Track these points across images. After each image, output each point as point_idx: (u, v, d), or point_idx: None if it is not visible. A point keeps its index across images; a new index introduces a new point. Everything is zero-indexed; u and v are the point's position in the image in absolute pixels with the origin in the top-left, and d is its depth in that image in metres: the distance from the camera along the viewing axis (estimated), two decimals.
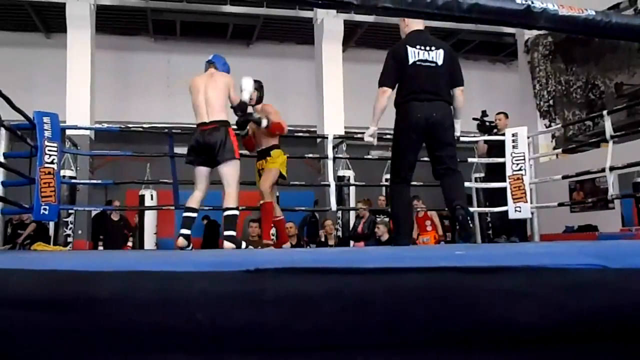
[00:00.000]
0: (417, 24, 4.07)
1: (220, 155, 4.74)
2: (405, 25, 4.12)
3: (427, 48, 3.94)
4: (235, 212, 4.81)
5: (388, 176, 8.89)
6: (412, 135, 3.95)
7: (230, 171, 4.77)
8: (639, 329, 0.98)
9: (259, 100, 5.69)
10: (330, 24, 11.42)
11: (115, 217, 9.93)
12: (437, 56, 3.94)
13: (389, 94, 4.00)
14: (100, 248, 9.65)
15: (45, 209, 5.49)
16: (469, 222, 3.82)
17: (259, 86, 5.70)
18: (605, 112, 6.03)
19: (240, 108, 5.08)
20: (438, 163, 4.04)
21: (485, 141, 7.27)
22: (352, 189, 9.41)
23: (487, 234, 8.64)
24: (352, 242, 8.62)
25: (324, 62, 11.31)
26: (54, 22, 11.76)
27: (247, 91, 5.16)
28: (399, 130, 4.02)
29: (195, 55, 13.36)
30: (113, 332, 0.89)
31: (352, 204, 9.25)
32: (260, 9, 11.75)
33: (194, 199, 5.04)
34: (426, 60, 3.91)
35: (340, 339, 0.92)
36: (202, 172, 4.93)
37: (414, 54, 3.90)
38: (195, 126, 4.93)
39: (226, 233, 4.77)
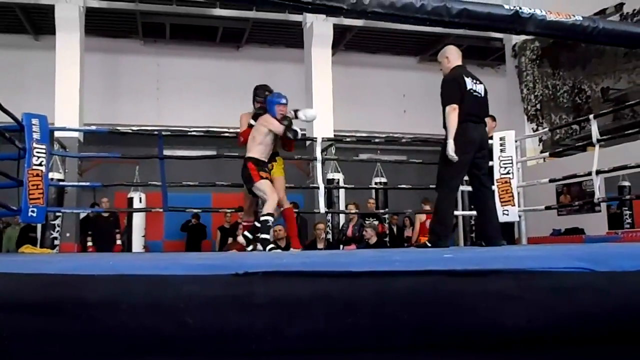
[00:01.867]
0: (460, 61, 4.76)
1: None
2: (449, 62, 4.74)
3: (475, 81, 4.62)
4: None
5: (378, 179, 8.96)
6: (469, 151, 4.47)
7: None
8: (625, 331, 0.99)
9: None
10: (320, 28, 11.43)
11: (105, 213, 9.88)
12: (481, 90, 4.66)
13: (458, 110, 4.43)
14: (90, 244, 9.60)
15: (33, 211, 5.45)
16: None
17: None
18: (591, 116, 6.07)
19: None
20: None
21: None
22: (342, 191, 9.42)
23: (471, 237, 8.68)
24: (341, 246, 8.61)
25: (313, 66, 11.31)
26: (42, 24, 11.68)
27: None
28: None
29: (185, 58, 13.34)
30: (102, 336, 0.89)
31: (342, 206, 9.26)
32: (250, 13, 11.73)
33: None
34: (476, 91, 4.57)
35: (329, 342, 0.92)
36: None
37: (469, 84, 4.52)
38: (184, 129, 4.97)
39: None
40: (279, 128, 5.40)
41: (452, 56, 4.77)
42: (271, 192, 5.27)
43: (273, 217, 5.32)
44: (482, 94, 4.61)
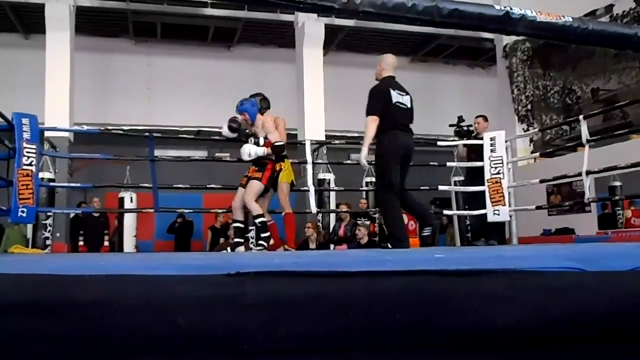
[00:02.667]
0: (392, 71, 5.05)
1: None
2: (381, 69, 5.03)
3: (402, 93, 4.94)
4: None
5: (369, 179, 8.96)
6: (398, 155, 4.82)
7: None
8: (615, 330, 1.00)
9: (261, 112, 5.87)
10: (311, 28, 11.42)
11: (95, 213, 9.84)
12: (407, 101, 4.97)
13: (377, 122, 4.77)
14: (81, 243, 9.56)
15: (22, 211, 5.42)
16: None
17: (263, 98, 5.96)
18: (581, 117, 6.10)
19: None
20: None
21: (465, 145, 7.31)
22: (332, 194, 9.43)
23: (467, 237, 8.70)
24: (332, 245, 8.62)
25: (304, 66, 11.31)
26: (33, 23, 11.60)
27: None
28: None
29: (176, 58, 13.29)
30: (94, 337, 0.88)
31: (333, 206, 9.26)
32: (242, 12, 11.71)
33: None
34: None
35: (322, 342, 0.92)
36: None
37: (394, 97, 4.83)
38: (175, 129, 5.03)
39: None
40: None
41: (387, 66, 5.04)
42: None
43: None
44: (408, 106, 4.94)
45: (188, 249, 10.31)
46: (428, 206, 10.47)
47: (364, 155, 4.86)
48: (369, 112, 4.80)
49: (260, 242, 5.44)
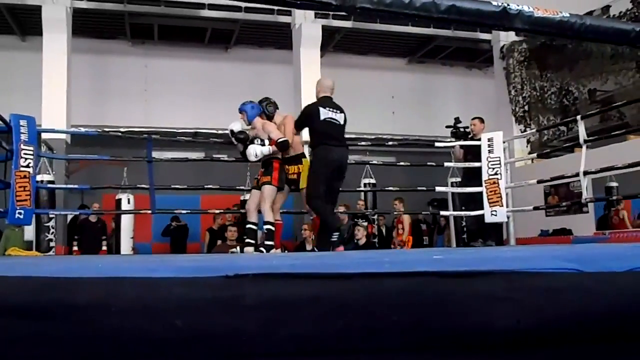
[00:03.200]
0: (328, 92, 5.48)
1: None
2: (319, 91, 5.48)
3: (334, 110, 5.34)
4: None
5: (367, 180, 8.97)
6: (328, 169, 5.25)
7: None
8: (613, 331, 1.00)
9: (269, 116, 5.87)
10: (309, 29, 11.42)
11: (93, 218, 9.81)
12: (340, 118, 5.37)
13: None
14: (75, 249, 9.54)
15: (20, 213, 5.41)
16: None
17: (268, 102, 5.94)
18: (579, 118, 6.11)
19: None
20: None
21: (462, 146, 7.32)
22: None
23: (463, 238, 8.71)
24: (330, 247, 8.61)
25: (302, 67, 11.30)
26: (29, 25, 11.59)
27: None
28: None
29: (173, 60, 13.28)
30: (92, 339, 0.88)
31: None
32: (239, 14, 11.70)
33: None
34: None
35: (320, 344, 0.92)
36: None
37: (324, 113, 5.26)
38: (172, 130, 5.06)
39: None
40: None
41: (324, 87, 5.50)
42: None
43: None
44: (341, 122, 5.35)
45: (184, 252, 10.28)
46: (425, 207, 10.50)
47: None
48: (294, 124, 5.54)
49: (261, 247, 5.46)
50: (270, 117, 5.83)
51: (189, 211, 9.27)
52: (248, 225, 5.70)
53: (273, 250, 5.67)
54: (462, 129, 7.58)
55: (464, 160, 7.22)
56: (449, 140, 7.82)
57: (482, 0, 1.90)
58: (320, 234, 5.48)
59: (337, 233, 5.32)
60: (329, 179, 5.26)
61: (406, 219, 9.65)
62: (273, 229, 5.43)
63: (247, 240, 5.64)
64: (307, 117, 5.44)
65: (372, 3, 1.74)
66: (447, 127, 7.74)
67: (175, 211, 9.02)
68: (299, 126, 5.54)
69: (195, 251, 10.72)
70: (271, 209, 5.48)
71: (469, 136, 7.35)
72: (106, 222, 10.01)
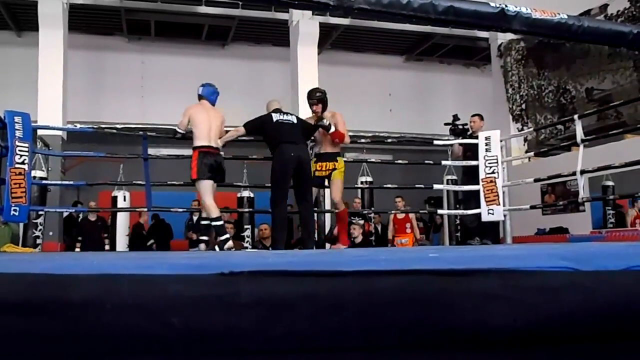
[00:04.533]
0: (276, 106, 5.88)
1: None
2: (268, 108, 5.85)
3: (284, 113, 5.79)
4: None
5: (364, 178, 8.97)
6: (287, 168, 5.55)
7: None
8: (609, 330, 1.00)
9: (324, 108, 6.05)
10: (306, 26, 11.43)
11: (92, 217, 9.81)
12: (292, 119, 5.78)
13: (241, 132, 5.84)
14: (78, 250, 9.52)
15: (15, 210, 5.40)
16: None
17: (323, 95, 6.08)
18: (576, 117, 6.12)
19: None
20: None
21: (460, 144, 7.33)
22: (327, 191, 9.42)
23: (456, 236, 8.72)
24: (327, 245, 8.61)
25: (299, 64, 11.31)
26: (25, 21, 11.58)
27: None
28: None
29: (170, 56, 13.28)
30: (87, 337, 0.88)
31: (328, 206, 9.26)
32: (236, 11, 11.70)
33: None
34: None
35: (316, 342, 0.92)
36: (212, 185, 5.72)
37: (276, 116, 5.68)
38: (169, 127, 5.08)
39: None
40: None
41: (270, 106, 5.87)
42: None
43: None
44: (294, 122, 5.74)
45: (167, 249, 10.15)
46: (422, 206, 10.48)
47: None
48: (244, 124, 5.80)
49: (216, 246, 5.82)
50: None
51: (185, 209, 9.27)
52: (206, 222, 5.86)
53: (339, 245, 5.95)
54: (460, 126, 7.58)
55: (463, 157, 7.22)
56: (446, 138, 7.83)
57: (479, 2, 1.89)
58: (275, 238, 5.60)
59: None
60: (294, 175, 5.52)
61: (412, 217, 9.64)
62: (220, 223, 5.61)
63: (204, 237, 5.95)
64: (259, 121, 5.77)
65: (370, 4, 1.74)
66: (446, 124, 7.75)
67: (172, 209, 9.01)
68: (250, 126, 5.79)
69: (177, 249, 10.60)
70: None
71: (468, 133, 7.35)
72: (106, 219, 10.00)
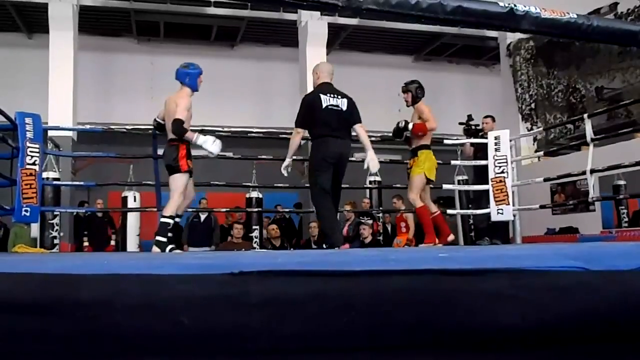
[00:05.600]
0: (327, 78, 5.08)
1: None
2: (317, 78, 5.10)
3: (335, 96, 4.95)
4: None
5: (372, 178, 8.95)
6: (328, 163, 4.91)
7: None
8: (619, 330, 1.00)
9: (415, 100, 5.77)
10: (315, 27, 11.43)
11: (99, 213, 9.87)
12: (342, 104, 4.96)
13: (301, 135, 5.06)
14: (86, 243, 9.58)
15: (26, 211, 5.43)
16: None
17: (418, 86, 5.81)
18: (585, 116, 6.09)
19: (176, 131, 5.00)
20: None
21: (472, 144, 7.31)
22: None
23: (470, 236, 8.69)
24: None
25: (308, 65, 11.29)
26: (36, 23, 11.64)
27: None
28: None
29: (179, 57, 13.23)
30: (97, 336, 0.88)
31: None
32: (245, 11, 11.72)
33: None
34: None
35: (325, 341, 0.92)
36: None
37: (326, 100, 4.88)
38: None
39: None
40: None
41: (322, 73, 5.09)
42: (183, 191, 5.01)
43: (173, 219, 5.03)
44: (344, 108, 4.92)
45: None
46: None
47: (285, 165, 5.15)
48: (295, 123, 5.03)
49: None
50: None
51: (194, 209, 9.30)
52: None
53: (449, 238, 5.73)
54: (474, 127, 7.57)
55: (474, 158, 7.21)
56: (455, 137, 7.81)
57: (488, 1, 1.89)
58: (327, 234, 5.06)
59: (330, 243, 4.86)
60: (332, 174, 4.95)
61: (410, 217, 9.63)
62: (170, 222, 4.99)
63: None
64: (310, 108, 4.96)
65: (378, 4, 1.74)
66: (460, 123, 7.74)
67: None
68: (304, 122, 5.00)
69: None
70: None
71: (480, 134, 7.35)
72: (113, 216, 10.05)
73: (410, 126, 5.63)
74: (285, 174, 5.15)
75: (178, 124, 4.96)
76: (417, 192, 5.66)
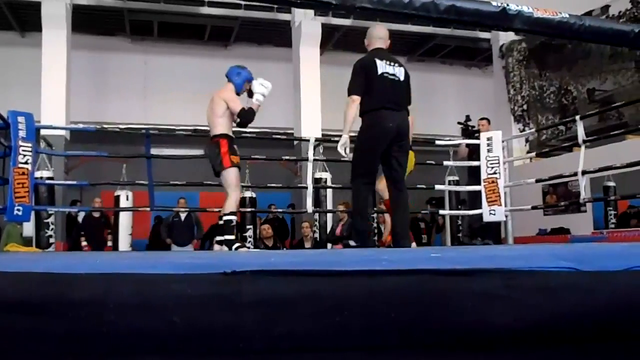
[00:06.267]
0: (380, 43, 4.41)
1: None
2: (369, 44, 4.44)
3: (392, 63, 4.25)
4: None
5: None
6: (382, 142, 4.15)
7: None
8: (610, 330, 1.00)
9: None
10: (308, 27, 11.43)
11: (96, 214, 9.83)
12: (400, 72, 4.26)
13: (358, 103, 4.20)
14: (84, 243, 9.54)
15: (18, 210, 5.41)
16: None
17: None
18: (577, 117, 6.12)
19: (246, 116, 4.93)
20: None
21: (467, 145, 7.33)
22: (329, 191, 9.42)
23: (457, 237, 8.72)
24: (329, 245, 8.61)
25: (301, 65, 11.32)
26: (29, 21, 11.58)
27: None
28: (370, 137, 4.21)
29: (173, 57, 13.27)
30: (89, 335, 0.88)
31: (330, 206, 9.26)
32: (239, 11, 11.70)
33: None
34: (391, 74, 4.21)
35: (318, 341, 0.92)
36: None
37: (382, 66, 4.18)
38: (171, 127, 4.94)
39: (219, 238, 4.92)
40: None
41: (373, 39, 4.41)
42: (237, 184, 4.88)
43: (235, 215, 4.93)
44: (401, 78, 4.25)
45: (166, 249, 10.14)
46: (424, 206, 10.46)
47: (342, 143, 4.31)
48: (348, 92, 4.23)
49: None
50: None
51: (187, 209, 9.29)
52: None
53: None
54: (471, 127, 7.60)
55: (469, 159, 7.22)
56: (448, 138, 7.83)
57: (481, 1, 1.90)
58: (356, 229, 4.47)
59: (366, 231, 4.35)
60: (386, 155, 4.21)
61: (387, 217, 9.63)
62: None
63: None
64: (364, 73, 4.19)
65: (372, 3, 1.74)
66: (459, 123, 7.76)
67: (174, 209, 9.04)
68: (359, 89, 4.18)
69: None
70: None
71: (475, 135, 7.38)
72: (108, 217, 10.03)
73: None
74: (344, 154, 4.35)
75: (245, 113, 4.92)
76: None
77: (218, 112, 4.94)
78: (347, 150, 4.34)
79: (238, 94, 5.15)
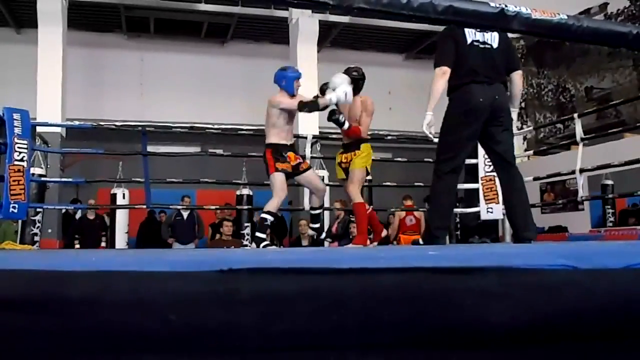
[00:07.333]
0: None
1: None
2: None
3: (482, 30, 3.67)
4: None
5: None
6: (472, 121, 3.63)
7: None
8: (608, 328, 1.00)
9: (356, 91, 5.30)
10: (306, 24, 11.43)
11: (91, 215, 9.82)
12: (492, 38, 3.72)
13: (448, 76, 3.74)
14: (77, 246, 9.53)
15: (14, 207, 5.40)
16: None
17: (359, 75, 5.57)
18: (575, 115, 6.13)
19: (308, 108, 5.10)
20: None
21: None
22: (327, 188, 9.43)
23: (456, 234, 8.73)
24: (326, 243, 8.62)
25: (298, 62, 11.31)
26: (24, 17, 11.57)
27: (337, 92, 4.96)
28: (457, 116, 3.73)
29: (169, 54, 13.26)
30: (84, 334, 0.88)
31: (327, 203, 9.27)
32: (235, 8, 11.69)
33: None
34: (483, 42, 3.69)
35: (315, 339, 0.92)
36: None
37: (471, 34, 3.68)
38: (167, 124, 4.94)
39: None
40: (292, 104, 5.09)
41: None
42: (280, 189, 5.05)
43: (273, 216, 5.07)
44: (494, 45, 3.67)
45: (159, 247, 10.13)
46: (422, 204, 10.46)
47: (427, 122, 3.86)
48: (435, 63, 3.80)
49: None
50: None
51: (184, 206, 9.29)
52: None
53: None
54: None
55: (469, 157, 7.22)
56: None
57: (479, 2, 1.90)
58: (430, 226, 3.97)
59: (443, 231, 3.86)
60: (485, 135, 3.72)
61: (397, 215, 9.65)
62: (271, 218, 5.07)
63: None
64: (452, 42, 3.71)
65: (369, 3, 1.74)
66: None
67: (171, 206, 9.02)
68: (448, 59, 3.73)
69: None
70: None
71: None
72: (105, 218, 10.02)
73: (346, 126, 5.19)
74: (430, 135, 3.90)
75: (303, 105, 5.08)
76: (359, 185, 5.25)
77: (268, 122, 5.19)
78: (433, 130, 3.91)
79: (293, 95, 5.22)
